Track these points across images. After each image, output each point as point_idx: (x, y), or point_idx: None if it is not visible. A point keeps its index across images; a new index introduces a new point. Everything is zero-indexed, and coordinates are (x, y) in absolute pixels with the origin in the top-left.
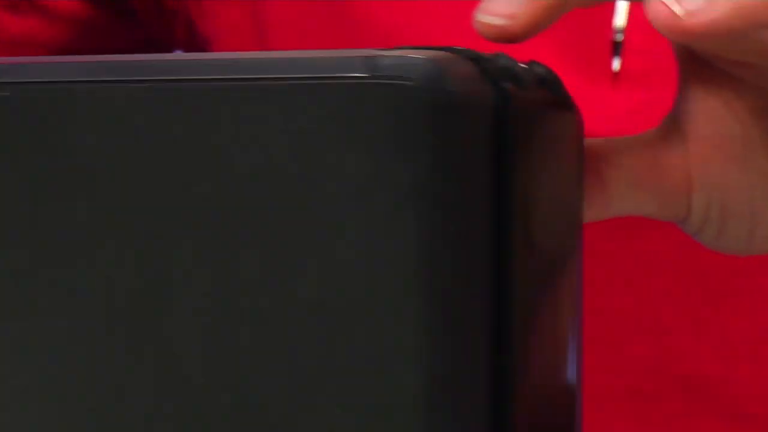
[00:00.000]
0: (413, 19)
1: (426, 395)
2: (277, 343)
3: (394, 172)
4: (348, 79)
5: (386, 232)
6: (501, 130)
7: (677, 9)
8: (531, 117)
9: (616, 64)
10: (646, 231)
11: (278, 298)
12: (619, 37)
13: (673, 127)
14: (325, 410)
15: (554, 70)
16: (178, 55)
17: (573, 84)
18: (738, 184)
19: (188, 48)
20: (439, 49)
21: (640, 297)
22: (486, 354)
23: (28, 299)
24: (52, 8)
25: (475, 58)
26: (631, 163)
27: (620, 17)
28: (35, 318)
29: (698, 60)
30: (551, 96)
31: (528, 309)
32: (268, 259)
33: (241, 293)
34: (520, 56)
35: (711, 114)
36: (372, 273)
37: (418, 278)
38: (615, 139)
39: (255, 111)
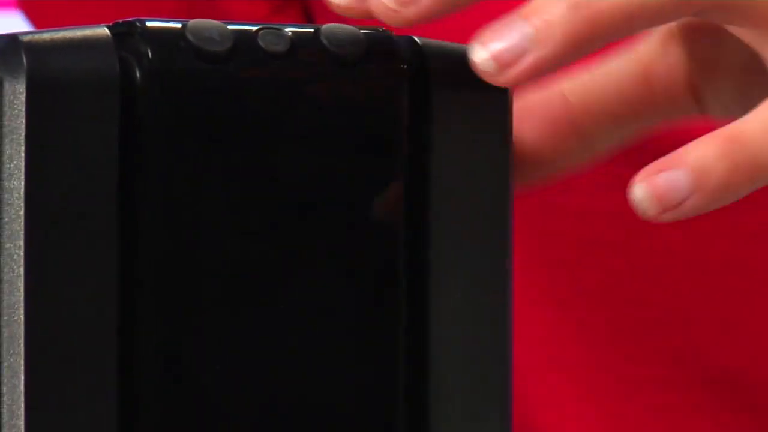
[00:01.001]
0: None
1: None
2: None
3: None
4: None
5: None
6: (133, 112)
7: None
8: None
9: None
10: (669, 223)
11: None
12: None
13: (672, 41)
14: None
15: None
16: None
17: None
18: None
19: None
20: (115, 26)
21: (665, 288)
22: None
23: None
24: None
25: (138, 35)
26: (613, 89)
27: None
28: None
29: None
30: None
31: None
32: None
33: None
34: None
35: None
36: None
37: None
38: (581, 76)
39: None
